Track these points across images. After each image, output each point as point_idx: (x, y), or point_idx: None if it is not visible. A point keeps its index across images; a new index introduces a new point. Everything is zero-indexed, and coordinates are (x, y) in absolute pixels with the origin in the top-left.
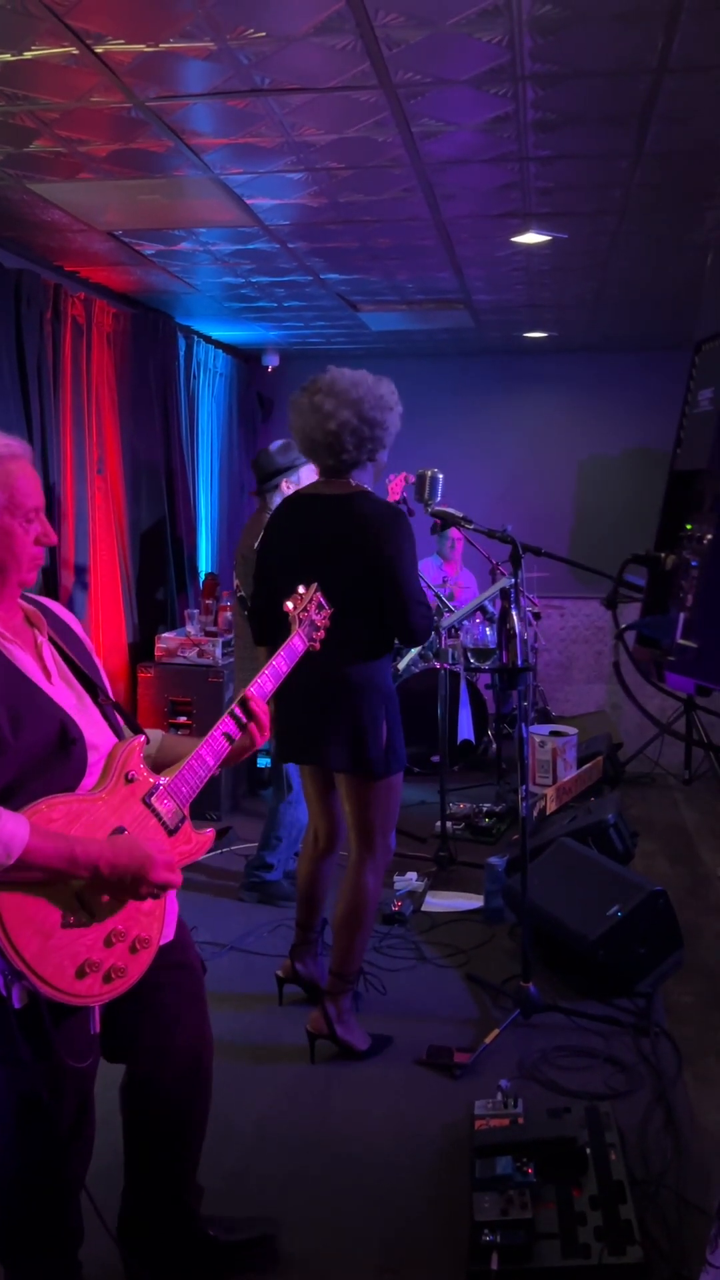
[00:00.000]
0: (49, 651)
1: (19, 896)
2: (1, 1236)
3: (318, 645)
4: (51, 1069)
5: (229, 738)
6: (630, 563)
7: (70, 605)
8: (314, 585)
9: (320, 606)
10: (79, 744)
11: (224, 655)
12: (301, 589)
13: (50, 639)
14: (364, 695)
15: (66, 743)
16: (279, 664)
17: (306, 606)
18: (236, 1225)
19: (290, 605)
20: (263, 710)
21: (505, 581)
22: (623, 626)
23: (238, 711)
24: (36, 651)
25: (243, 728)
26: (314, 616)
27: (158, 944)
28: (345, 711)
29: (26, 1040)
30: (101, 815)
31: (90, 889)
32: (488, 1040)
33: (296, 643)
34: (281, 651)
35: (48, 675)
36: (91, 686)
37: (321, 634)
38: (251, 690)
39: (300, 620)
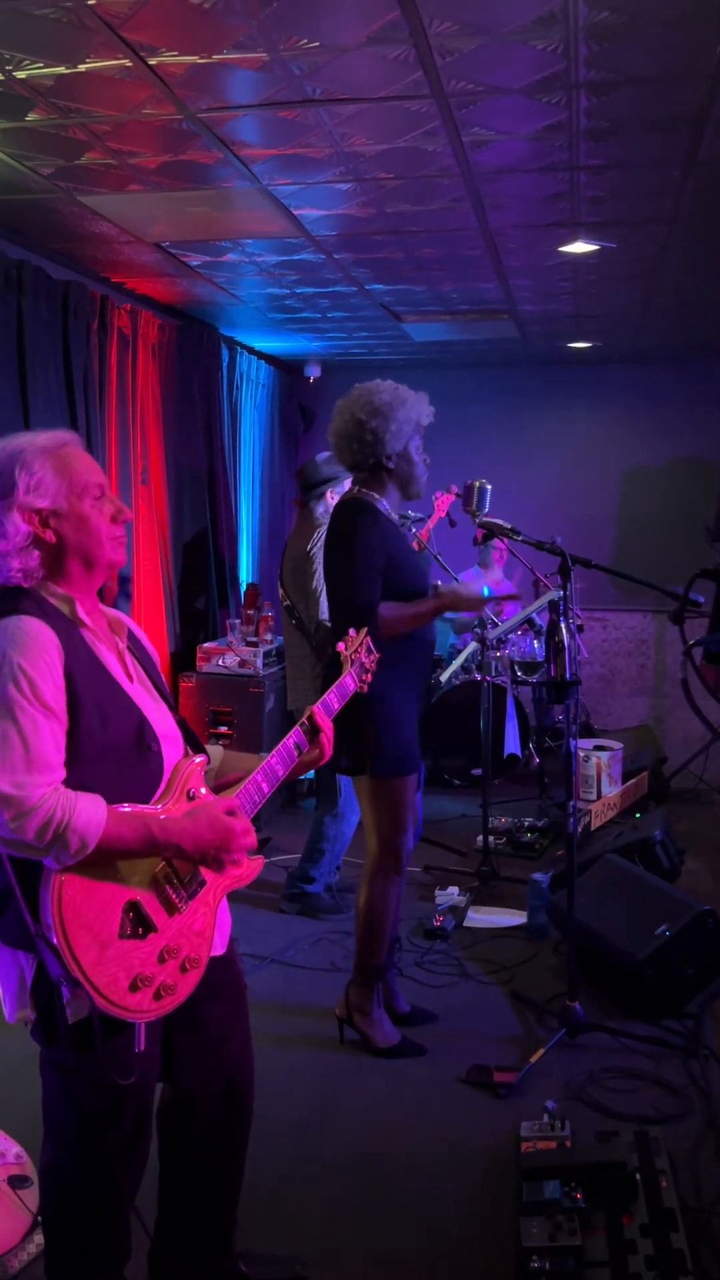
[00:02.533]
0: (130, 660)
1: (79, 904)
2: (52, 1250)
3: (365, 688)
4: (110, 1084)
5: (299, 748)
6: (699, 577)
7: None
8: (364, 630)
9: (370, 650)
10: (155, 750)
11: (265, 665)
12: (352, 631)
13: (129, 649)
14: None
15: (143, 747)
16: (331, 700)
17: (357, 649)
18: (268, 1261)
19: (342, 646)
20: (327, 725)
21: (554, 594)
22: (691, 643)
23: (301, 737)
24: (120, 657)
25: (312, 741)
26: (364, 659)
27: (205, 964)
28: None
29: (75, 1051)
30: None
31: (152, 899)
32: (533, 1060)
33: (348, 682)
34: (334, 688)
35: (130, 678)
36: (165, 700)
37: (369, 676)
38: (318, 707)
39: (351, 661)
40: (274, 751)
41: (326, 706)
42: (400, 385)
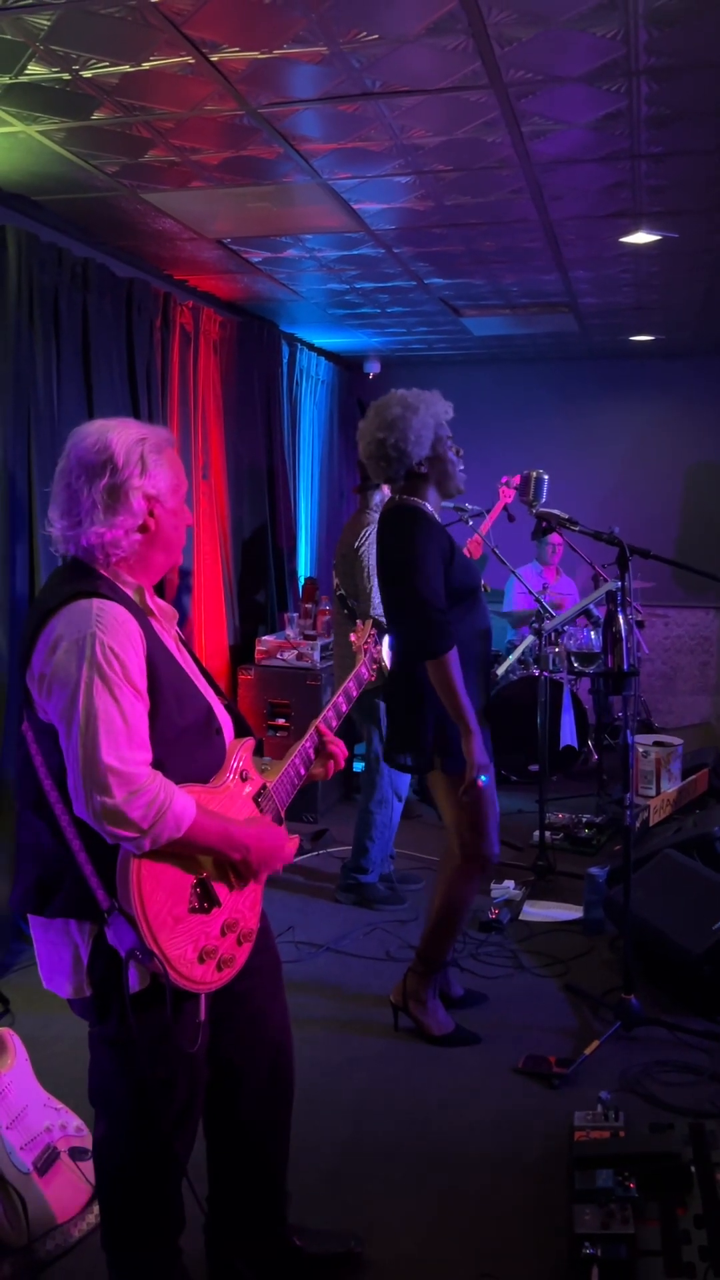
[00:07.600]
0: (181, 649)
1: (156, 879)
2: (108, 1222)
3: (374, 676)
4: (165, 1054)
5: (306, 761)
6: None
7: (175, 607)
8: (369, 622)
9: (376, 641)
10: (220, 734)
11: (322, 659)
12: (360, 623)
13: (177, 637)
14: (402, 692)
15: (211, 730)
16: (350, 688)
17: (366, 640)
18: (322, 1237)
19: (354, 638)
20: (339, 749)
21: (612, 584)
22: None
23: (309, 746)
24: (178, 644)
25: (318, 754)
26: (372, 650)
27: (255, 936)
28: (392, 710)
29: (143, 1025)
30: (226, 807)
31: (215, 875)
32: (588, 1051)
33: (364, 671)
34: (351, 679)
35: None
36: (213, 686)
37: (378, 666)
38: (320, 725)
39: (364, 651)
40: (296, 751)
41: (346, 695)
42: (410, 391)
